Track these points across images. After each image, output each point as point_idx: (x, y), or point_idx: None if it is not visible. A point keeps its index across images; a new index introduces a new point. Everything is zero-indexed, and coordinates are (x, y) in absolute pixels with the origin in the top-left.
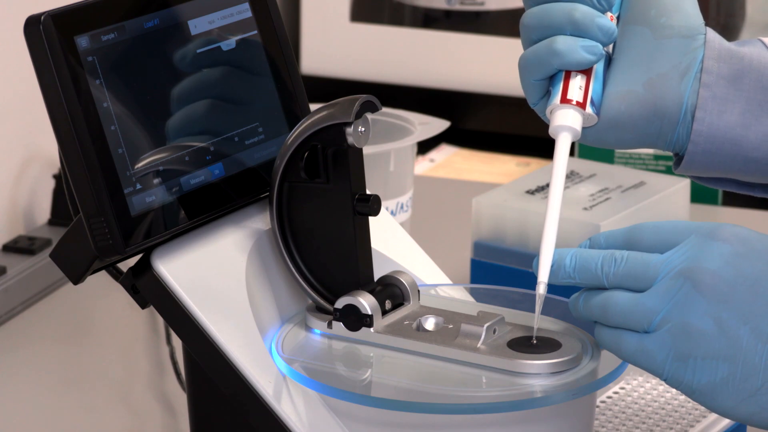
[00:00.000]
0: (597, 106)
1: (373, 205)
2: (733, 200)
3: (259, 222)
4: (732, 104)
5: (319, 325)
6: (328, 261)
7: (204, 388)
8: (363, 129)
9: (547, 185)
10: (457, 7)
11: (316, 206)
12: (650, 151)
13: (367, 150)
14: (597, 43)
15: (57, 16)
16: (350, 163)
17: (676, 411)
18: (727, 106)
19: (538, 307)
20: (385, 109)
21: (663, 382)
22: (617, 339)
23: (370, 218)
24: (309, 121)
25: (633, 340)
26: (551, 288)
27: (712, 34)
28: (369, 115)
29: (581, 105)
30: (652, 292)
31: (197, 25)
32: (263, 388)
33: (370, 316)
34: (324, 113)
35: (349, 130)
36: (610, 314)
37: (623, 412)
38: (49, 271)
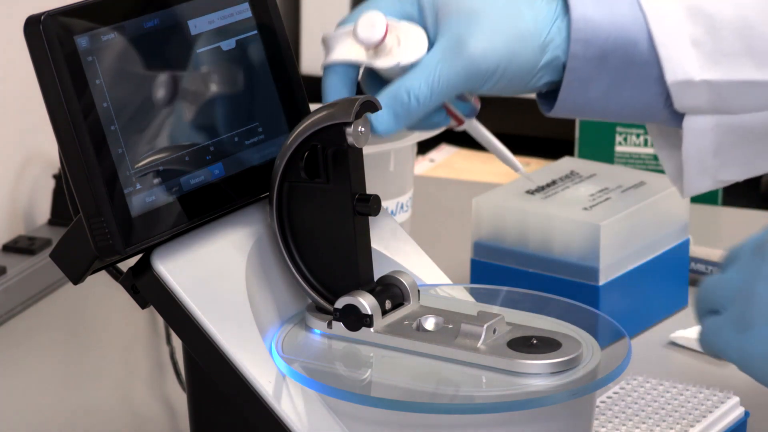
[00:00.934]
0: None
1: (373, 205)
2: (733, 200)
3: (259, 222)
4: (596, 83)
5: (319, 325)
6: (328, 261)
7: (204, 388)
8: (363, 129)
9: (547, 185)
10: None
11: (316, 206)
12: (650, 150)
13: (367, 150)
14: None
15: (57, 16)
16: (350, 163)
17: (676, 411)
18: (591, 85)
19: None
20: None
21: (663, 382)
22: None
23: (370, 218)
24: (309, 121)
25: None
26: (551, 288)
27: (578, 6)
28: (369, 115)
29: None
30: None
31: (197, 25)
32: (263, 388)
33: (370, 316)
34: (324, 113)
35: (349, 130)
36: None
37: (623, 412)
38: (49, 271)
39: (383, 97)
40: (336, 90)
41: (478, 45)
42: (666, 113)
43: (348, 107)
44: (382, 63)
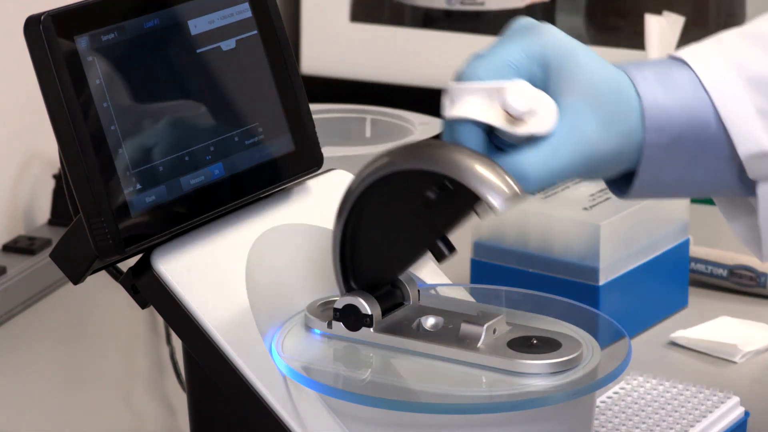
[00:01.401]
0: None
1: (443, 253)
2: None
3: (259, 222)
4: (671, 167)
5: (319, 325)
6: (372, 255)
7: (204, 388)
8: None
9: None
10: (457, 7)
11: (402, 217)
12: None
13: (367, 150)
14: None
15: (57, 16)
16: (461, 216)
17: (676, 411)
18: (665, 169)
19: None
20: (385, 109)
21: (663, 382)
22: None
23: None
24: (466, 168)
25: None
26: (551, 288)
27: (647, 94)
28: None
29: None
30: None
31: (197, 25)
32: (263, 388)
33: (370, 316)
34: (484, 178)
35: (485, 209)
36: None
37: (623, 412)
38: (49, 271)
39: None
40: (475, 146)
41: (601, 141)
42: (737, 184)
43: (509, 199)
44: (516, 131)
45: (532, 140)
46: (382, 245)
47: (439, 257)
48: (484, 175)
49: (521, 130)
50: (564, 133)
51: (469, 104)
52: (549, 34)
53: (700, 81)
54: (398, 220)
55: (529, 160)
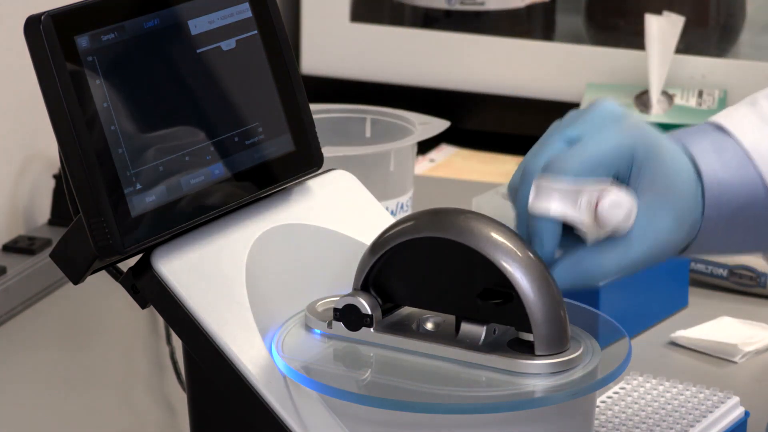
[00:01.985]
0: None
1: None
2: None
3: (259, 222)
4: (725, 237)
5: (319, 325)
6: (400, 287)
7: (204, 388)
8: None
9: None
10: (457, 7)
11: (450, 281)
12: None
13: (366, 150)
14: None
15: (57, 16)
16: (500, 320)
17: (676, 411)
18: (720, 239)
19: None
20: (385, 109)
21: (663, 382)
22: None
23: (367, 217)
24: (540, 312)
25: None
26: None
27: (709, 171)
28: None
29: None
30: None
31: (197, 25)
32: (263, 388)
33: (370, 316)
34: (550, 325)
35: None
36: None
37: (623, 412)
38: (49, 271)
39: (566, 264)
40: (552, 242)
41: (670, 237)
42: None
43: (552, 353)
44: (599, 230)
45: (608, 237)
46: (416, 286)
47: (458, 327)
48: (549, 323)
49: (604, 230)
50: (639, 233)
51: (556, 202)
52: (638, 128)
53: (746, 151)
54: (443, 279)
55: (601, 261)
